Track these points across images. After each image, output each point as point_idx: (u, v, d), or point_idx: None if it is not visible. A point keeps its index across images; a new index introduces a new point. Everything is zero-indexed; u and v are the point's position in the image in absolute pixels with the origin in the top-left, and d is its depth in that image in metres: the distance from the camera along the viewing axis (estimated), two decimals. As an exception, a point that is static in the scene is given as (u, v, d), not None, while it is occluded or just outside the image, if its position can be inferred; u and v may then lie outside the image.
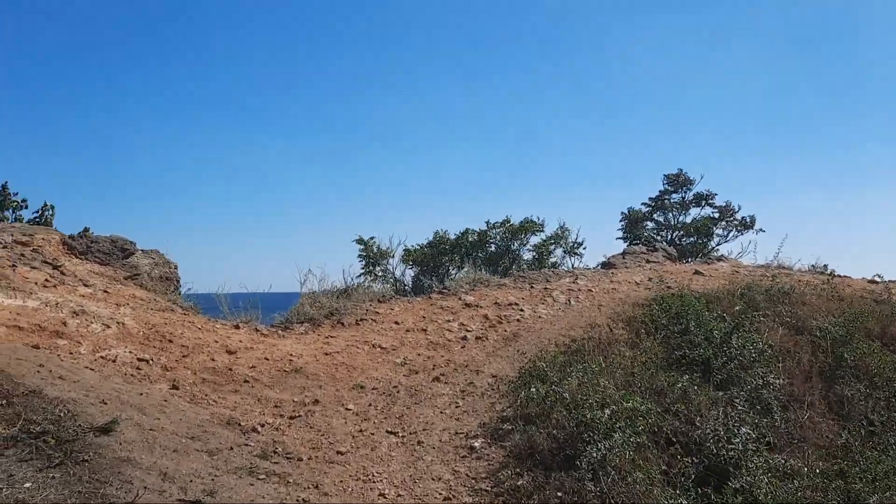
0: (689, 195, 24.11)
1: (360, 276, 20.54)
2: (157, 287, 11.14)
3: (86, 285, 9.75)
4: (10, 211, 22.57)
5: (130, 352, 8.19)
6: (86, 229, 17.60)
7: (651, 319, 10.16)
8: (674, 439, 7.73)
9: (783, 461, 7.80)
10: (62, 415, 5.89)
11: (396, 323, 10.66)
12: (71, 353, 7.74)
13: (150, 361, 8.09)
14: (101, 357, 7.88)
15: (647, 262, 16.39)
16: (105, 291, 9.81)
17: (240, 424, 6.97)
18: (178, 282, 12.17)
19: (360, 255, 20.91)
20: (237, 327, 9.85)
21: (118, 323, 8.82)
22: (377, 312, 11.01)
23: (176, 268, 12.36)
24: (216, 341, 9.08)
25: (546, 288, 12.58)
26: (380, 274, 21.06)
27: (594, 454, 6.33)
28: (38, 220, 21.80)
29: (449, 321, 10.81)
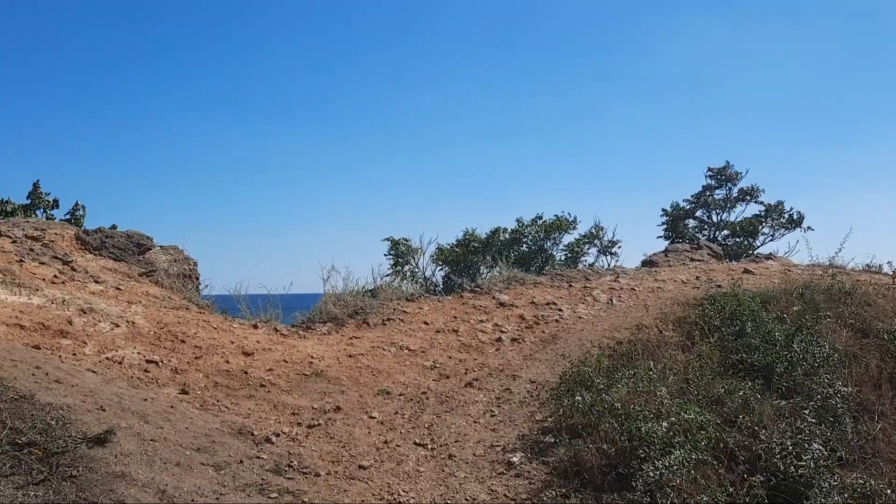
0: (735, 191, 22.98)
1: (388, 274, 19.98)
2: (174, 284, 10.58)
3: (97, 282, 9.21)
4: (42, 210, 22.38)
5: (139, 353, 7.59)
6: (113, 226, 17.27)
7: (704, 320, 9.28)
8: (736, 454, 6.90)
9: (861, 480, 6.91)
10: (53, 423, 5.26)
11: (426, 323, 9.94)
12: (74, 355, 7.16)
13: (160, 363, 7.48)
14: (107, 358, 7.29)
15: (692, 260, 15.45)
16: (117, 288, 9.25)
17: (252, 434, 6.30)
18: (197, 279, 11.61)
19: (388, 254, 20.37)
20: (255, 327, 9.22)
21: (128, 322, 8.24)
22: (405, 312, 10.30)
23: (195, 265, 11.80)
24: (232, 342, 8.45)
25: (586, 286, 11.76)
26: (409, 274, 20.47)
27: (651, 473, 5.52)
28: (69, 219, 21.57)
29: (482, 321, 10.06)
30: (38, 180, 22.28)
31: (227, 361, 7.85)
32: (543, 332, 9.76)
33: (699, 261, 15.52)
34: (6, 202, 20.67)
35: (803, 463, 6.69)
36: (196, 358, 7.81)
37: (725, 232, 23.55)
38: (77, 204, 21.81)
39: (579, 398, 6.65)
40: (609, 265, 20.92)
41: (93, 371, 6.77)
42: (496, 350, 9.14)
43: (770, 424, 7.28)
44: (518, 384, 7.92)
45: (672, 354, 8.46)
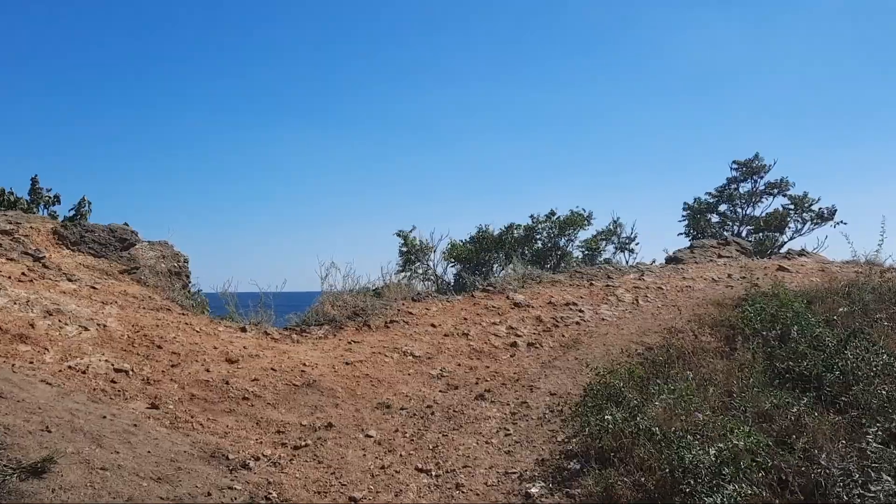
0: (761, 184, 21.85)
1: (398, 272, 19.16)
2: (161, 282, 9.71)
3: (70, 280, 8.35)
4: (42, 206, 21.65)
5: (107, 360, 6.72)
6: (124, 223, 16.50)
7: (745, 323, 8.28)
8: (789, 482, 5.92)
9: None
10: (-20, 449, 4.40)
11: (433, 326, 9.01)
12: (31, 363, 6.30)
13: (130, 372, 6.60)
14: (69, 367, 6.41)
15: (719, 256, 14.43)
16: (92, 287, 8.39)
17: (227, 458, 5.40)
18: (187, 277, 10.74)
19: (401, 250, 19.53)
20: (243, 330, 8.33)
21: (99, 325, 7.37)
22: (410, 313, 9.37)
23: (186, 261, 10.92)
24: (215, 347, 7.56)
25: (608, 285, 10.78)
26: (420, 271, 19.63)
27: (701, 513, 4.57)
28: (74, 216, 20.82)
29: (495, 324, 9.12)
30: (35, 175, 21.50)
31: (208, 370, 6.96)
32: (563, 335, 8.80)
33: (727, 257, 14.49)
34: (8, 193, 19.96)
35: (871, 495, 5.72)
36: (172, 366, 6.93)
37: (749, 227, 22.43)
38: (83, 199, 21.05)
39: (609, 417, 5.69)
40: (627, 262, 19.96)
41: (47, 383, 5.89)
42: (511, 356, 8.20)
43: (826, 445, 6.30)
44: (536, 396, 6.97)
45: (710, 362, 7.49)
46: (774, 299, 9.18)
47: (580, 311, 9.61)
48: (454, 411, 6.69)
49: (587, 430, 5.91)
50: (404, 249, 19.60)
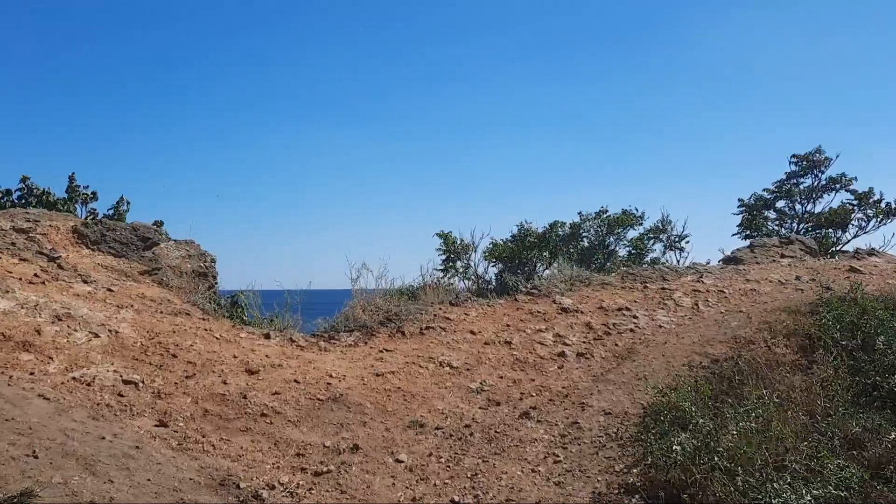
0: (822, 179, 20.52)
1: (439, 268, 18.54)
2: (185, 284, 9.18)
3: (85, 281, 7.84)
4: (80, 203, 21.53)
5: (115, 371, 6.15)
6: (160, 222, 16.23)
7: (824, 333, 7.34)
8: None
9: None
10: (-50, 481, 3.83)
11: (472, 333, 8.27)
12: (32, 374, 5.76)
13: (140, 385, 6.02)
14: (73, 379, 5.86)
15: (782, 256, 13.35)
16: (108, 290, 7.87)
17: (238, 486, 4.75)
18: (214, 278, 10.21)
19: (439, 249, 18.91)
20: (267, 337, 7.71)
21: (111, 331, 6.83)
22: (448, 318, 8.65)
23: (213, 261, 10.39)
24: (235, 356, 6.95)
25: (664, 288, 9.89)
26: (461, 270, 18.96)
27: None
28: (113, 215, 20.68)
29: (541, 331, 8.33)
30: (73, 173, 21.40)
31: (225, 382, 6.35)
32: (616, 344, 7.97)
33: (791, 257, 13.41)
34: (46, 192, 19.88)
35: None
36: (187, 378, 6.33)
37: (807, 225, 21.09)
38: (122, 198, 20.88)
39: (678, 447, 4.87)
40: (679, 262, 18.91)
41: (45, 398, 5.34)
42: (558, 368, 7.42)
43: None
44: (588, 416, 6.18)
45: (787, 378, 6.59)
46: (854, 305, 8.20)
47: (634, 316, 8.76)
48: (496, 432, 5.94)
49: (650, 459, 5.10)
50: (444, 248, 18.95)
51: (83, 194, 21.89)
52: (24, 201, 19.26)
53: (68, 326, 6.68)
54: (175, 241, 10.31)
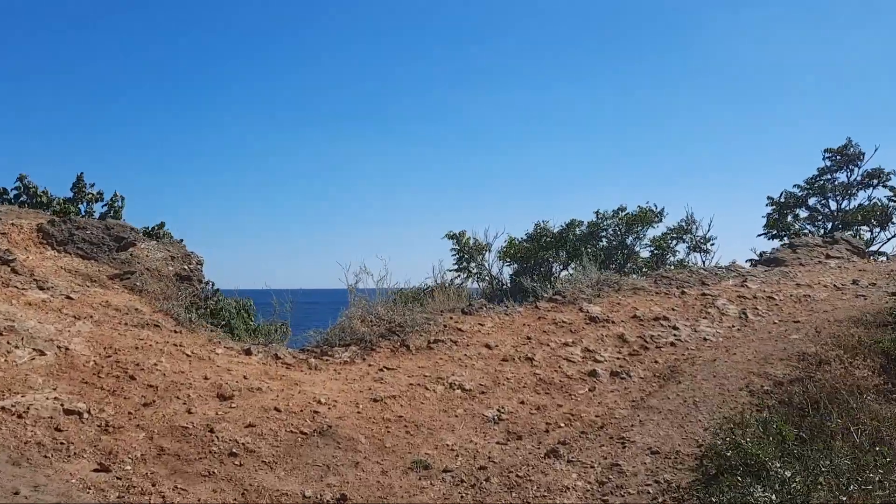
0: (858, 174, 19.22)
1: (452, 269, 17.55)
2: (164, 289, 8.12)
3: (41, 288, 6.80)
4: (85, 204, 20.66)
5: (57, 398, 5.08)
6: (161, 223, 15.24)
7: (908, 350, 6.17)
8: None
9: None
10: None
11: (488, 347, 7.15)
12: (-51, 404, 4.70)
13: (85, 416, 4.95)
14: (2, 409, 4.79)
15: (828, 257, 12.14)
16: (67, 297, 6.82)
17: (186, 559, 3.66)
18: (200, 282, 9.15)
19: (452, 250, 17.89)
20: (248, 353, 6.62)
21: (60, 347, 5.76)
22: (459, 329, 7.52)
23: (199, 264, 9.35)
24: (206, 377, 5.86)
25: (704, 293, 8.72)
26: (474, 271, 17.94)
27: None
28: (107, 212, 19.84)
29: (567, 345, 7.20)
30: (81, 173, 20.60)
31: (190, 411, 5.26)
32: (656, 361, 6.83)
33: (838, 258, 12.19)
34: (42, 193, 19.00)
35: None
36: (144, 405, 5.25)
37: (841, 223, 19.77)
38: (115, 195, 20.02)
39: (758, 509, 3.73)
40: (704, 263, 17.71)
41: (-47, 437, 4.27)
42: (590, 390, 6.28)
43: None
44: (631, 455, 5.03)
45: (868, 405, 5.42)
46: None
47: (674, 327, 7.61)
48: (517, 476, 4.82)
49: (718, 521, 3.97)
50: (457, 248, 17.90)
51: (88, 194, 20.97)
52: (21, 200, 18.35)
53: (8, 342, 5.63)
54: (157, 241, 9.30)
